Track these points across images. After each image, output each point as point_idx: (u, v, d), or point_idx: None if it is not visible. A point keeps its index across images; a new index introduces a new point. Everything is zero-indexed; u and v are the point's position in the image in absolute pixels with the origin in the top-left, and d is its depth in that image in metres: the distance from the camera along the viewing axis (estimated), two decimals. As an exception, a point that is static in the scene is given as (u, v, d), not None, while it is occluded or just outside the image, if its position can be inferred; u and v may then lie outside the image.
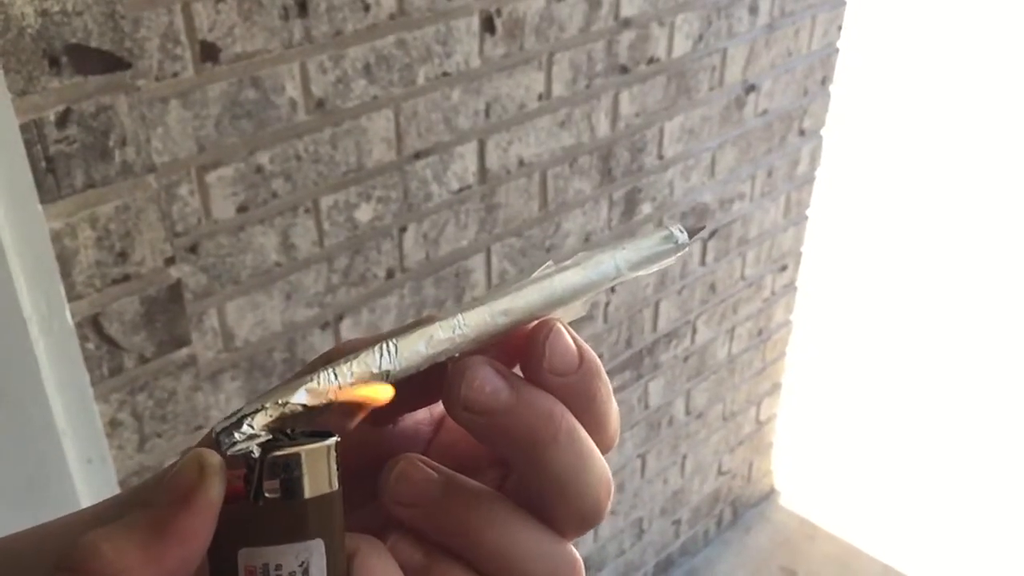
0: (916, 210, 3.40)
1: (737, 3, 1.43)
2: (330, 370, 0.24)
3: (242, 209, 0.97)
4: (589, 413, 0.27)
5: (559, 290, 0.27)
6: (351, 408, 0.28)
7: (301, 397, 0.24)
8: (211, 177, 0.93)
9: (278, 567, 0.23)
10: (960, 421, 2.47)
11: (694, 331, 1.74)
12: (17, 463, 0.74)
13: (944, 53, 4.48)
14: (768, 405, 2.08)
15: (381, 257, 1.13)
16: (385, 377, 0.25)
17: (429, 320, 0.26)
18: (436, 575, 0.27)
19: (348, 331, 1.14)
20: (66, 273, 0.80)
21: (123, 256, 0.85)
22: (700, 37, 1.40)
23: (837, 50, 1.70)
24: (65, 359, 0.78)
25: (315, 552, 0.23)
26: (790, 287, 1.94)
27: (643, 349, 1.64)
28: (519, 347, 0.27)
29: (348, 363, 0.24)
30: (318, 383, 0.24)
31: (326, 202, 1.05)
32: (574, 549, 0.28)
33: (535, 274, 0.27)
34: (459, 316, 0.26)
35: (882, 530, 2.16)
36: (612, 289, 1.50)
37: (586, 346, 0.27)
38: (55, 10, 0.73)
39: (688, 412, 1.85)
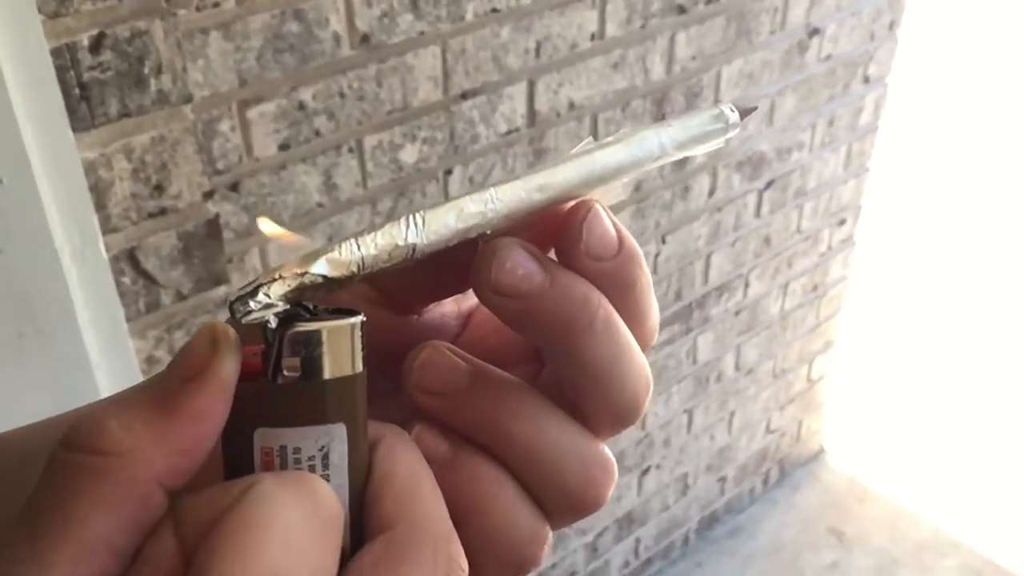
0: (983, 167, 3.28)
1: (803, -59, 1.36)
2: (352, 240, 0.23)
3: (284, 147, 0.95)
4: (628, 302, 0.25)
5: (599, 167, 0.25)
6: (376, 291, 0.27)
7: (321, 267, 0.22)
8: (252, 113, 0.91)
9: (296, 450, 0.22)
10: (1016, 384, 2.40)
11: (747, 285, 1.70)
12: (49, 395, 0.73)
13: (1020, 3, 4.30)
14: (820, 363, 2.04)
15: (425, 200, 1.11)
16: (411, 251, 0.23)
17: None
18: (462, 467, 0.25)
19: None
20: (101, 205, 0.79)
21: (159, 189, 0.84)
22: (762, -24, 1.34)
23: (907, -6, 1.62)
24: (98, 291, 0.77)
25: (336, 437, 0.22)
26: (848, 242, 1.88)
27: (693, 302, 1.61)
28: (555, 229, 0.25)
29: (372, 233, 0.23)
30: (339, 253, 0.22)
31: (370, 142, 1.02)
32: (607, 450, 0.26)
33: (574, 150, 0.25)
34: (492, 190, 0.24)
35: (933, 493, 2.11)
36: (663, 240, 1.46)
37: (625, 231, 0.25)
38: (88, -71, 0.71)
39: (738, 368, 1.81)
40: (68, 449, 0.20)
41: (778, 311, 1.82)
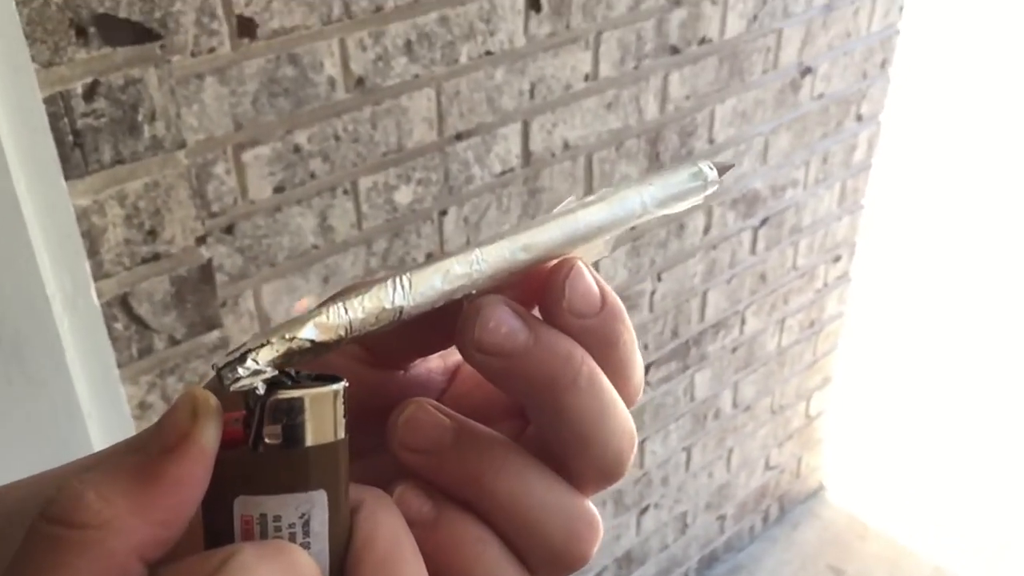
0: (976, 201, 3.30)
1: (794, -18, 1.38)
2: (340, 304, 0.22)
3: (279, 189, 0.95)
4: (612, 359, 0.25)
5: (582, 226, 0.25)
6: (361, 349, 0.27)
7: (310, 332, 0.22)
8: (247, 156, 0.91)
9: (277, 518, 0.22)
10: (1017, 420, 2.39)
11: (743, 322, 1.69)
12: (40, 445, 0.73)
13: (1009, 37, 4.34)
14: (819, 399, 2.03)
15: (421, 241, 1.11)
16: (399, 313, 0.23)
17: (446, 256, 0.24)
18: (445, 527, 0.25)
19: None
20: (93, 251, 0.79)
21: (152, 234, 0.83)
22: (754, 17, 1.35)
23: (898, 32, 1.63)
24: (90, 339, 0.77)
25: (317, 504, 0.22)
26: (844, 278, 1.88)
27: (690, 340, 1.60)
28: (538, 287, 0.25)
29: (360, 297, 0.23)
30: (327, 317, 0.22)
31: (365, 183, 1.02)
32: (592, 506, 0.26)
33: (556, 209, 0.25)
34: (477, 251, 0.24)
35: (934, 531, 2.09)
36: (658, 278, 1.46)
37: (608, 288, 0.25)
38: (82, -22, 0.71)
39: (735, 405, 1.80)
40: (47, 521, 0.20)
41: (775, 347, 1.81)
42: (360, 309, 0.23)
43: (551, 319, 0.25)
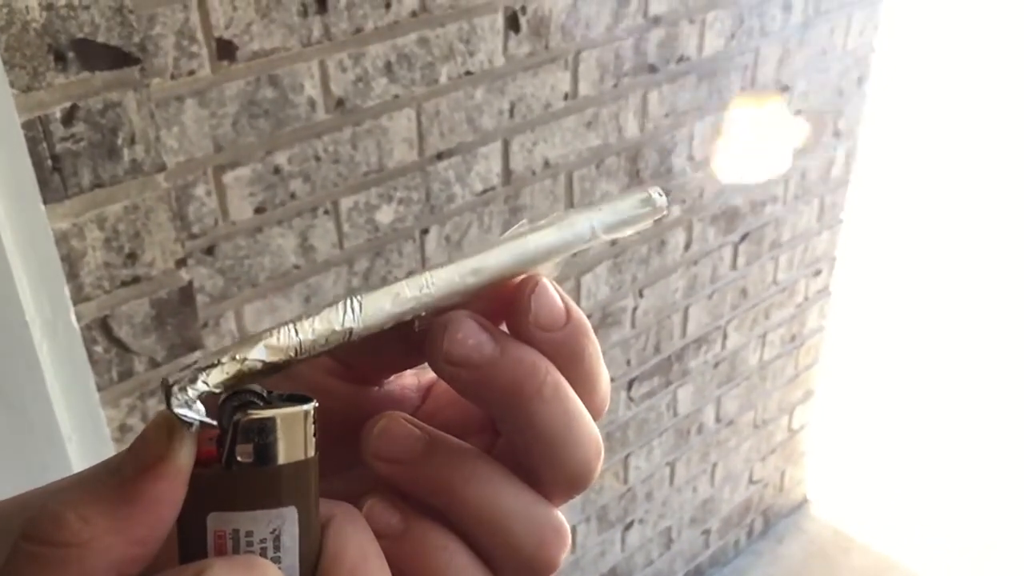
0: (954, 215, 3.33)
1: (770, 1, 1.39)
2: (290, 325, 0.23)
3: (260, 210, 0.95)
4: (577, 372, 0.26)
5: (531, 250, 0.26)
6: (336, 364, 0.28)
7: (260, 353, 0.22)
8: (228, 177, 0.91)
9: (248, 534, 0.22)
10: (999, 431, 2.41)
11: (725, 337, 1.70)
12: (20, 468, 0.72)
13: (983, 53, 4.40)
14: (801, 413, 2.04)
15: (402, 260, 1.11)
16: (348, 335, 0.24)
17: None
18: (414, 539, 0.26)
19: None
20: (73, 274, 0.79)
21: (132, 257, 0.83)
22: (732, 35, 1.36)
23: (873, 50, 1.65)
24: (70, 364, 0.76)
25: (287, 520, 0.23)
26: (824, 292, 1.89)
27: (672, 355, 1.61)
28: (504, 303, 0.26)
29: (310, 318, 0.23)
30: (278, 339, 0.23)
31: (346, 203, 1.02)
32: (561, 514, 0.27)
33: (507, 233, 0.26)
34: (427, 274, 0.25)
35: (919, 543, 2.10)
36: (640, 294, 1.47)
37: (573, 303, 0.26)
38: (61, 4, 0.71)
39: (718, 420, 1.81)
40: (28, 541, 0.20)
41: (757, 362, 1.82)
42: (310, 331, 0.23)
43: (517, 333, 0.26)
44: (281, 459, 0.22)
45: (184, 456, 0.21)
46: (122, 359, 0.86)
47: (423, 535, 0.26)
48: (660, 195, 0.27)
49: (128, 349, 0.86)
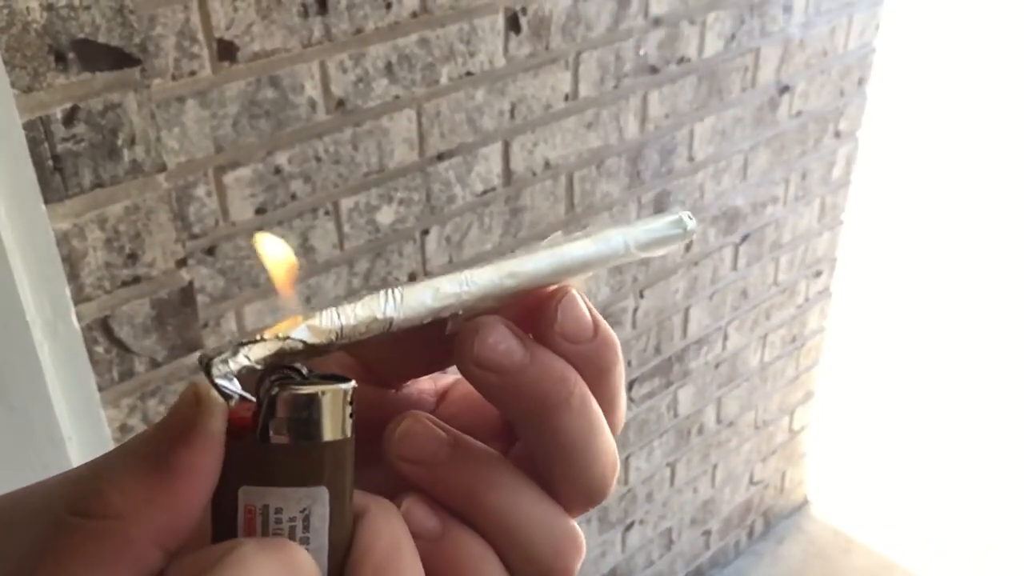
0: (954, 216, 3.33)
1: (771, 1, 1.39)
2: (333, 309, 0.23)
3: (260, 211, 0.95)
4: (601, 387, 0.26)
5: (567, 260, 0.26)
6: (358, 364, 0.28)
7: (302, 333, 0.23)
8: (229, 178, 0.91)
9: (278, 511, 0.22)
10: (999, 432, 2.41)
11: (725, 337, 1.70)
12: (21, 469, 0.72)
13: (984, 54, 4.40)
14: (801, 414, 2.04)
15: (403, 260, 1.11)
16: (388, 325, 0.24)
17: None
18: (450, 544, 0.25)
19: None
20: (74, 275, 0.79)
21: (133, 258, 0.83)
22: (732, 36, 1.36)
23: (874, 50, 1.65)
24: (70, 364, 0.76)
25: (318, 500, 0.22)
26: (824, 293, 1.89)
27: (672, 356, 1.61)
28: (533, 311, 0.26)
29: (353, 304, 0.24)
30: (320, 321, 0.23)
31: (346, 204, 1.02)
32: (576, 525, 0.27)
33: (544, 242, 0.26)
34: (467, 272, 0.25)
35: (919, 544, 2.10)
36: (640, 295, 1.47)
37: (602, 319, 0.26)
38: (61, 4, 0.71)
39: (719, 420, 1.81)
40: (72, 514, 0.21)
41: (757, 363, 1.82)
42: (352, 316, 0.23)
43: (544, 342, 0.26)
44: (318, 437, 0.22)
45: (215, 424, 0.22)
46: (123, 359, 0.86)
47: (460, 541, 0.26)
48: (691, 218, 0.28)
49: (129, 349, 0.86)
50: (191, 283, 0.89)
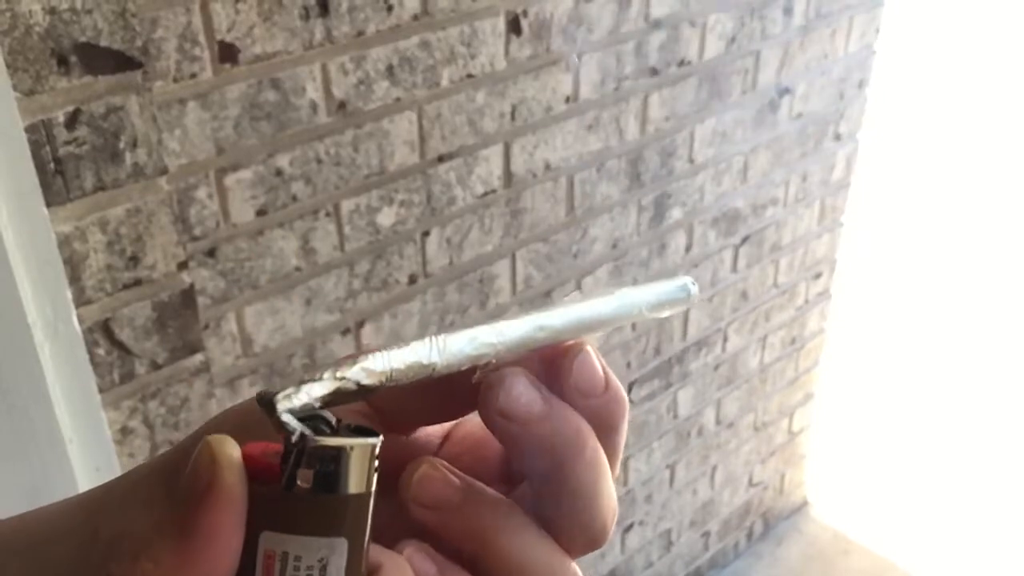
0: (954, 218, 3.33)
1: (771, 4, 1.39)
2: (386, 353, 0.24)
3: (261, 213, 0.95)
4: (607, 441, 0.28)
5: (588, 317, 0.28)
6: (371, 410, 0.29)
7: (358, 374, 0.24)
8: (230, 180, 0.92)
9: (297, 558, 0.23)
10: (999, 433, 2.41)
11: (725, 339, 1.70)
12: (21, 472, 0.72)
13: (984, 56, 4.40)
14: (801, 415, 2.04)
15: (403, 262, 1.11)
16: (432, 370, 0.25)
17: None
18: None
19: (369, 337, 1.11)
20: (75, 277, 0.79)
21: (134, 260, 0.84)
22: (733, 39, 1.36)
23: (874, 53, 1.66)
24: (71, 365, 0.77)
25: (336, 551, 0.23)
26: (824, 295, 1.90)
27: (672, 357, 1.61)
28: (548, 365, 0.28)
29: (402, 350, 0.25)
30: (373, 364, 0.24)
31: (347, 206, 1.03)
32: (577, 568, 0.28)
33: (565, 299, 0.28)
34: (502, 323, 0.26)
35: (919, 545, 2.10)
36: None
37: (613, 375, 0.28)
38: (64, 8, 0.72)
39: (719, 422, 1.81)
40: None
41: (757, 364, 1.82)
42: (401, 361, 0.25)
43: (558, 395, 0.27)
44: (342, 489, 0.23)
45: (233, 481, 0.22)
46: (123, 361, 0.86)
47: None
48: (694, 284, 0.31)
49: (129, 351, 0.86)
50: (192, 286, 0.90)
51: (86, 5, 0.73)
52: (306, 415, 0.23)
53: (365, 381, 0.24)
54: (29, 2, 0.70)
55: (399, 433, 0.30)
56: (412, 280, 1.13)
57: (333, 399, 0.23)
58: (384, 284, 1.10)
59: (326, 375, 0.23)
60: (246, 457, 0.23)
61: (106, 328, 0.84)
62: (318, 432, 0.23)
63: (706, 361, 1.69)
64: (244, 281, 0.97)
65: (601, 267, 1.38)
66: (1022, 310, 2.88)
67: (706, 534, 1.96)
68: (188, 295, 0.89)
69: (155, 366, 0.89)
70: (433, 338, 0.25)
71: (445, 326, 1.19)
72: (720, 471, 1.89)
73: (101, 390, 0.83)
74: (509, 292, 1.26)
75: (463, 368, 0.26)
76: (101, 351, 0.84)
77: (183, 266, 0.88)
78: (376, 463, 0.23)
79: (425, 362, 0.25)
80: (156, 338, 0.88)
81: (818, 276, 1.84)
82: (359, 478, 0.23)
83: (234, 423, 0.28)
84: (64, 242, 0.78)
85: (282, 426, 0.22)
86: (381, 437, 0.24)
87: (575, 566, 0.28)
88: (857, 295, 2.73)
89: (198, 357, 0.93)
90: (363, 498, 0.23)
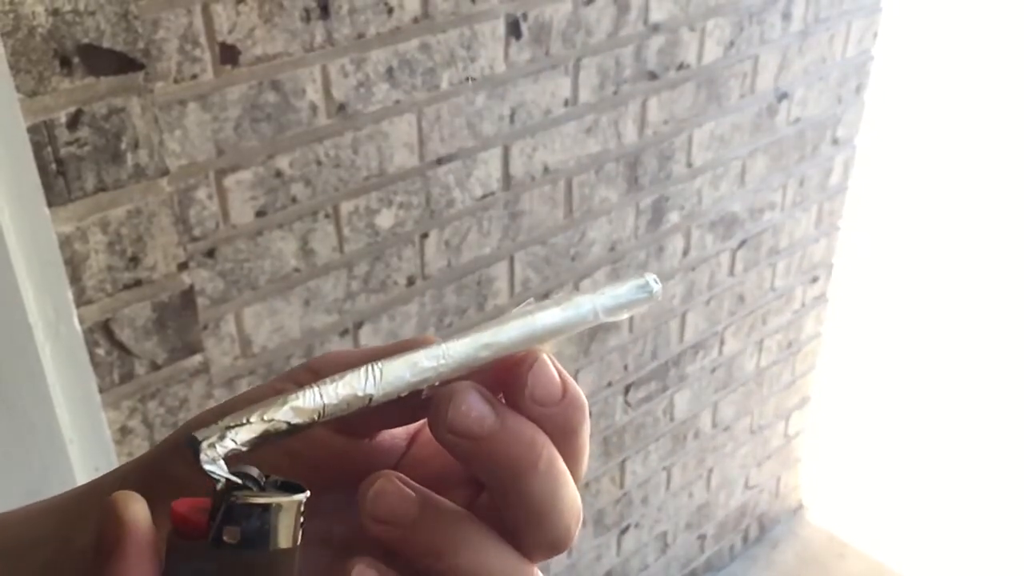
0: (951, 222, 3.34)
1: (770, 9, 1.40)
2: (316, 389, 0.24)
3: (261, 214, 0.96)
4: (568, 446, 0.27)
5: (539, 328, 0.27)
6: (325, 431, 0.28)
7: (286, 415, 0.23)
8: (229, 181, 0.92)
9: None
10: (994, 437, 2.41)
11: (722, 342, 1.71)
12: (21, 472, 0.73)
13: (981, 61, 4.41)
14: (797, 419, 2.04)
15: (402, 264, 1.11)
16: (368, 401, 0.25)
17: (415, 344, 0.26)
18: None
19: (367, 338, 1.12)
20: (76, 278, 0.79)
21: (135, 261, 0.84)
22: (731, 43, 1.37)
23: (872, 57, 1.66)
24: (72, 365, 0.77)
25: None
26: (821, 299, 1.90)
27: (669, 360, 1.61)
28: (504, 376, 0.27)
29: (334, 383, 0.24)
30: (303, 401, 0.24)
31: (346, 208, 1.03)
32: (538, 571, 0.28)
33: (516, 310, 0.27)
34: (444, 346, 0.26)
35: (914, 549, 2.11)
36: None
37: (571, 380, 0.27)
38: (67, 9, 0.72)
39: (715, 425, 1.81)
40: None
41: (753, 368, 1.83)
42: (334, 395, 0.24)
43: (515, 406, 0.27)
44: (270, 545, 0.23)
45: (139, 531, 0.22)
46: (123, 362, 0.86)
47: None
48: (656, 282, 0.29)
49: (129, 352, 0.86)
50: (192, 287, 0.90)
51: (89, 7, 0.73)
52: (234, 471, 0.23)
53: (295, 420, 0.23)
54: (32, 3, 0.70)
55: (361, 437, 0.29)
56: (410, 282, 1.13)
57: (263, 441, 0.23)
58: (383, 286, 1.10)
59: (252, 418, 0.23)
60: (174, 514, 0.23)
61: (106, 328, 0.84)
62: (244, 489, 0.23)
63: (703, 364, 1.69)
64: (243, 282, 0.97)
65: (599, 270, 1.38)
66: (1019, 315, 2.89)
67: (702, 537, 1.96)
68: (188, 296, 0.89)
69: (155, 366, 0.89)
70: (370, 367, 0.25)
71: (443, 328, 1.19)
72: (716, 474, 1.89)
73: (101, 390, 0.83)
74: (507, 294, 1.26)
75: (403, 395, 0.25)
76: (101, 351, 0.84)
77: (183, 267, 0.89)
78: (302, 519, 0.23)
79: (360, 394, 0.24)
80: (156, 338, 0.88)
81: (815, 280, 1.85)
82: (286, 534, 0.23)
83: (140, 476, 0.28)
84: (65, 242, 0.78)
85: (206, 475, 0.22)
86: (308, 493, 0.24)
87: (535, 571, 0.28)
88: (854, 299, 2.74)
89: (197, 358, 0.93)
90: (290, 552, 0.23)
